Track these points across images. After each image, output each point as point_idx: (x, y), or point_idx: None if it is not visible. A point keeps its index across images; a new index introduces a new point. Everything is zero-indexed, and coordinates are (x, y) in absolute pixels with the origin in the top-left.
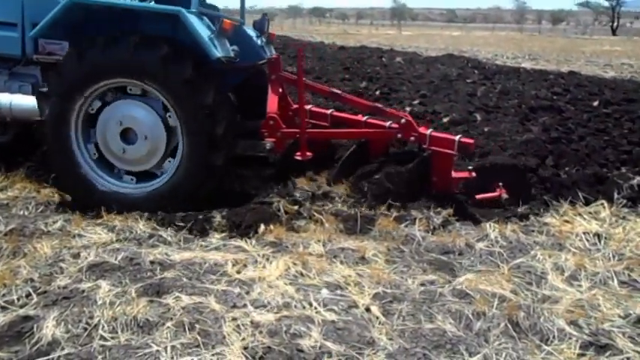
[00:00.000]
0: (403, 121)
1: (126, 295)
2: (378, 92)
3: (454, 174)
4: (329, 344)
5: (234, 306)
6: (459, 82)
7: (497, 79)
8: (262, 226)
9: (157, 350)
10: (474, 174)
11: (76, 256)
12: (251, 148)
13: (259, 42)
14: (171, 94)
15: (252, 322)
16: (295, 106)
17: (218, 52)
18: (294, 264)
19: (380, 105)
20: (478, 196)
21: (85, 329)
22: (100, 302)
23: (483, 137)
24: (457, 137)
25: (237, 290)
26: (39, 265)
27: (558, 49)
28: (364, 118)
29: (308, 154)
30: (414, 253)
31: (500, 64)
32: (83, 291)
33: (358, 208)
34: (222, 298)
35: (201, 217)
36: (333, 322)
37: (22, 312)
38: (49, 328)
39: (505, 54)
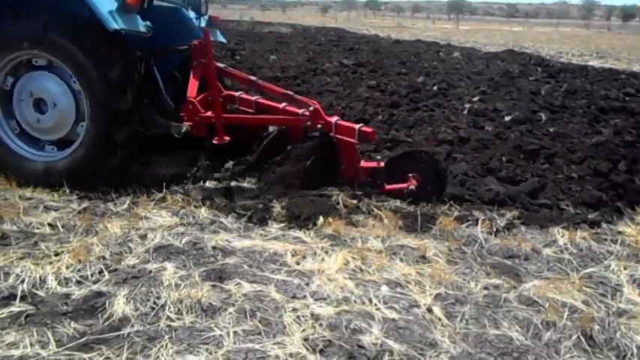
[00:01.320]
0: (311, 108)
1: (190, 278)
2: (435, 87)
3: (363, 163)
4: (390, 342)
5: (294, 297)
6: (521, 79)
7: (563, 78)
8: (321, 219)
9: (220, 335)
10: (382, 164)
11: (143, 237)
12: (166, 129)
13: (199, 24)
14: (74, 65)
15: (312, 314)
16: (226, 92)
17: (116, 25)
18: (354, 258)
19: (292, 93)
20: (388, 187)
21: (153, 309)
22: (166, 284)
23: (549, 138)
24: (357, 126)
25: (296, 281)
26: (110, 243)
27: (629, 47)
28: (282, 106)
29: (226, 138)
30: (476, 255)
31: (565, 62)
32: (150, 271)
33: (418, 206)
34: (282, 287)
35: (260, 206)
36: (393, 320)
37: (95, 288)
38: (120, 305)
39: (570, 51)
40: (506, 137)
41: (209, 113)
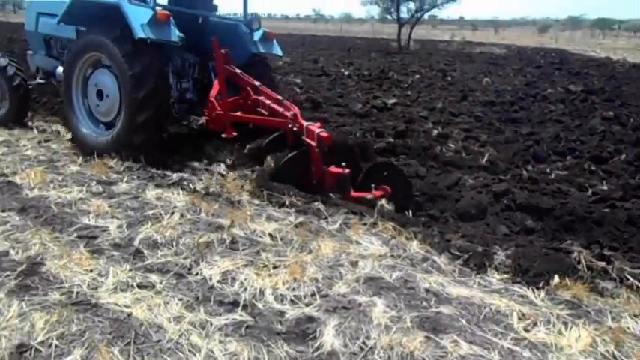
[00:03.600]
0: (291, 113)
1: (401, 321)
2: None
3: (330, 169)
4: None
5: None
6: None
7: None
8: (556, 278)
9: None
10: (347, 170)
11: (354, 264)
12: (187, 121)
13: (252, 38)
14: (115, 64)
15: None
16: (254, 96)
17: (142, 34)
18: (604, 341)
19: (281, 97)
20: (354, 194)
21: (362, 349)
22: (375, 322)
23: None
24: (317, 130)
25: (527, 354)
26: (322, 265)
27: None
28: (281, 110)
29: (233, 134)
30: None
31: None
32: (360, 304)
33: None
34: (507, 358)
35: (480, 249)
36: None
37: (306, 311)
38: (329, 336)
39: None
40: None
41: (220, 111)
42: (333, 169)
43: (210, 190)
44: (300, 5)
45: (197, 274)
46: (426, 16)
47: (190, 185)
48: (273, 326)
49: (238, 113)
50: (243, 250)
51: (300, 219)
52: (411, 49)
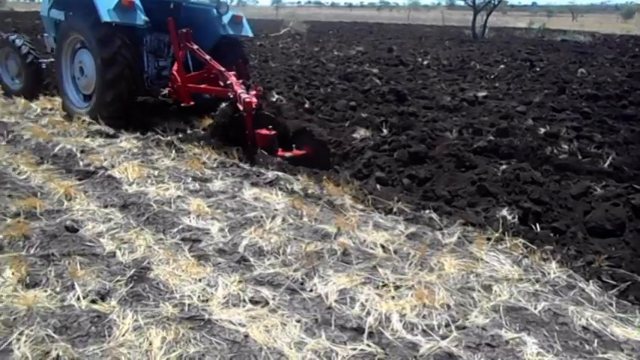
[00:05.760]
0: (228, 82)
1: None
2: None
3: (259, 131)
4: None
5: None
6: None
7: None
8: None
9: None
10: (273, 132)
11: (487, 288)
12: (154, 92)
13: (221, 21)
14: (90, 47)
15: None
16: (218, 68)
17: (108, 18)
18: None
19: (222, 69)
20: (280, 152)
21: None
22: None
23: None
24: (243, 96)
25: None
26: (451, 287)
27: None
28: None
29: (191, 102)
30: None
31: None
32: (507, 342)
33: None
34: None
35: None
36: None
37: (444, 345)
38: None
39: None
40: None
41: (179, 83)
42: (263, 130)
43: (309, 191)
44: None
45: (311, 290)
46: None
47: (288, 185)
48: None
49: (203, 85)
50: (357, 264)
51: (412, 229)
52: (485, 37)
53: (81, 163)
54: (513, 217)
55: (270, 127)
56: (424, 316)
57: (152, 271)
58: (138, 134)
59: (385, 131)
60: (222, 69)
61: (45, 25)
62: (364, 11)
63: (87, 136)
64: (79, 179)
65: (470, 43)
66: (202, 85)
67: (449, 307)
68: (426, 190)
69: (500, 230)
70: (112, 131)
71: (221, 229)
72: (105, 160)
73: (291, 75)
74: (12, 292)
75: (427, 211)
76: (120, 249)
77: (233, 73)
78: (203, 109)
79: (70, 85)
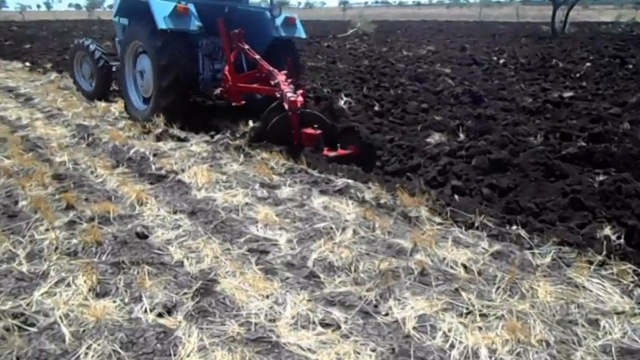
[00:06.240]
0: (275, 81)
1: None
2: None
3: (305, 130)
4: None
5: None
6: None
7: None
8: None
9: None
10: (319, 131)
11: (593, 323)
12: (208, 92)
13: (275, 23)
14: (148, 53)
15: None
16: (267, 67)
17: (164, 25)
18: None
19: (272, 69)
20: (325, 152)
21: None
22: None
23: None
24: (288, 95)
25: None
26: (547, 320)
27: None
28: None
29: (242, 102)
30: None
31: None
32: None
33: None
34: None
35: None
36: None
37: None
38: None
39: None
40: None
41: (230, 83)
42: (308, 130)
43: (382, 200)
44: None
45: (386, 314)
46: None
47: (358, 194)
48: None
49: (254, 85)
50: (436, 285)
51: (497, 247)
52: (566, 33)
53: (153, 167)
54: (618, 237)
55: (316, 125)
56: (518, 354)
57: (219, 284)
58: (207, 137)
59: (462, 136)
60: (271, 68)
61: (116, 30)
62: (433, 9)
63: (159, 140)
64: (151, 183)
65: (549, 39)
66: (253, 85)
67: (548, 344)
68: (509, 201)
69: (604, 253)
70: (183, 134)
71: (289, 241)
72: (175, 163)
73: (359, 76)
74: (83, 300)
75: (514, 227)
76: (187, 258)
77: (283, 72)
78: (256, 109)
79: (132, 87)
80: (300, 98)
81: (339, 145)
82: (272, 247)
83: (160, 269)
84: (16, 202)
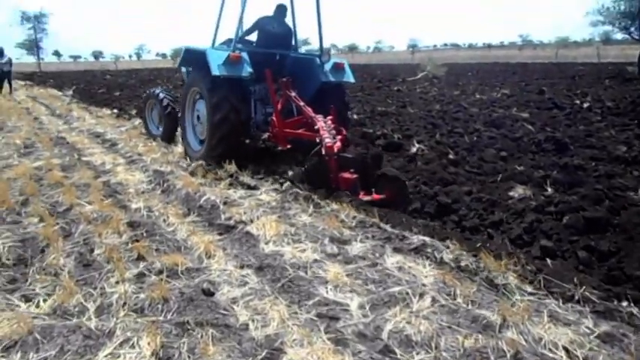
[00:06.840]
0: (316, 127)
1: None
2: None
3: (342, 174)
4: None
5: None
6: None
7: None
8: None
9: None
10: (355, 175)
11: None
12: (258, 136)
13: (324, 69)
14: (204, 96)
15: None
16: (309, 114)
17: (217, 72)
18: None
19: (314, 115)
20: (361, 196)
21: None
22: None
23: None
24: (325, 140)
25: None
26: None
27: None
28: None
29: (288, 146)
30: None
31: None
32: None
33: None
34: None
35: None
36: None
37: None
38: None
39: None
40: None
41: (277, 128)
42: (345, 174)
43: (462, 262)
44: (503, 33)
45: None
46: None
47: (436, 253)
48: None
49: (299, 131)
50: None
51: (605, 327)
52: None
53: (222, 217)
54: None
55: (352, 170)
56: None
57: (285, 354)
58: (277, 186)
59: (549, 189)
60: (313, 115)
61: (184, 78)
62: (504, 51)
63: (230, 187)
64: (220, 234)
65: (637, 80)
66: (298, 131)
67: None
68: (611, 267)
69: None
70: (253, 182)
71: (361, 306)
72: (244, 213)
73: (431, 122)
74: None
75: (624, 304)
76: (253, 320)
77: (330, 118)
78: (303, 153)
79: (191, 132)
80: (338, 143)
81: (373, 190)
82: (342, 313)
83: (225, 333)
84: (92, 250)
